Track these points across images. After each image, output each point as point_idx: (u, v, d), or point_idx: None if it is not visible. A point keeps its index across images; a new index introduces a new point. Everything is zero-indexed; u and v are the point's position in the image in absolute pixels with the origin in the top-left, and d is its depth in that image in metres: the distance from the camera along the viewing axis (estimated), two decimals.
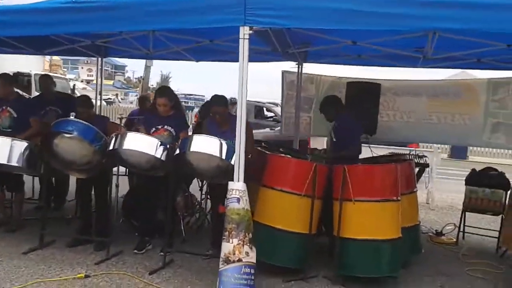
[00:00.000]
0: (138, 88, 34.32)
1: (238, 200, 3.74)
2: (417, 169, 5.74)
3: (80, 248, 4.74)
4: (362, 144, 5.14)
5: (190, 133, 5.17)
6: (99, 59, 7.55)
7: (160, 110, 4.75)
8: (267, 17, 3.64)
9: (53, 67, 26.19)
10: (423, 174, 6.58)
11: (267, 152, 5.02)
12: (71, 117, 5.23)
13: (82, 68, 54.40)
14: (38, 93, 7.13)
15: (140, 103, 7.08)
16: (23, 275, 4.05)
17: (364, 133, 5.48)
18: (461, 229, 5.82)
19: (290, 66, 7.24)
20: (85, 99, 5.05)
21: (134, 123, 5.47)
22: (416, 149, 7.31)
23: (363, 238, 4.13)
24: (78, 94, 11.40)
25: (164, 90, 5.14)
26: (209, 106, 4.86)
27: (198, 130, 5.33)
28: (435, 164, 8.11)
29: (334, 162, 4.59)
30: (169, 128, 4.74)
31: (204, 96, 32.02)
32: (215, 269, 3.83)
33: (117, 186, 4.60)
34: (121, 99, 43.35)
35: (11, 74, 7.65)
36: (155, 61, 15.67)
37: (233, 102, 9.01)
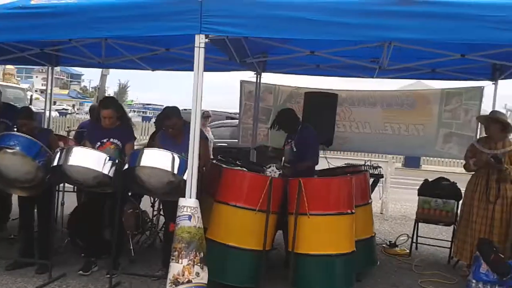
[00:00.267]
0: (93, 98, 33.40)
1: (190, 217, 3.57)
2: (371, 180, 5.76)
3: (20, 271, 4.44)
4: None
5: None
6: (50, 68, 7.24)
7: (105, 122, 4.50)
8: (223, 26, 3.54)
9: (6, 76, 25.10)
10: (378, 184, 6.64)
11: (222, 165, 4.89)
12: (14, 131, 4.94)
13: (37, 77, 52.65)
14: None
15: (91, 114, 6.74)
16: None
17: (321, 143, 5.47)
18: (414, 240, 5.85)
19: (249, 76, 7.19)
20: (26, 110, 4.80)
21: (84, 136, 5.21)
22: (371, 159, 7.38)
23: (317, 254, 4.05)
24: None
25: (108, 101, 4.82)
26: (162, 119, 4.66)
27: (150, 144, 5.12)
28: (389, 174, 8.20)
29: (292, 174, 4.53)
30: (115, 141, 4.51)
31: (163, 105, 31.45)
32: None
33: (62, 204, 4.35)
34: (77, 109, 42.15)
35: None
36: (112, 70, 15.28)
37: (206, 115, 8.88)
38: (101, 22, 3.69)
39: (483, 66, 5.77)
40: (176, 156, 3.88)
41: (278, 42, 5.03)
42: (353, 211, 4.18)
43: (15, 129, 4.36)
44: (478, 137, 5.81)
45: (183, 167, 3.77)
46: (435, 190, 5.65)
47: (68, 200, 4.49)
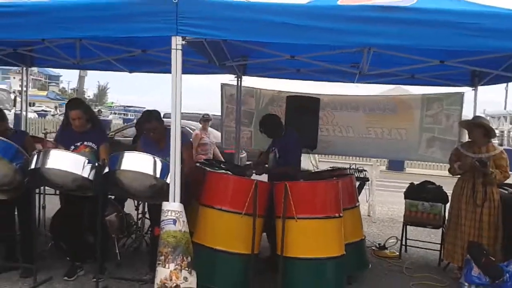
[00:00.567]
0: None
1: (174, 221, 3.50)
2: (357, 183, 5.74)
3: (5, 275, 4.35)
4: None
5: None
6: (25, 68, 7.05)
7: (75, 124, 4.35)
8: (200, 28, 3.46)
9: None
10: (364, 187, 6.63)
11: (206, 168, 4.81)
12: None
13: (14, 78, 51.53)
14: None
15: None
16: None
17: (304, 147, 5.44)
18: (403, 243, 5.86)
19: (230, 79, 7.11)
20: None
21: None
22: (356, 162, 7.37)
23: (306, 257, 4.02)
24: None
25: (75, 102, 4.63)
26: (142, 122, 4.56)
27: (133, 148, 4.98)
28: (374, 177, 8.21)
29: (277, 178, 4.48)
30: (90, 143, 4.39)
31: (145, 107, 31.25)
32: None
33: (43, 207, 4.22)
34: (60, 111, 41.48)
35: None
36: (91, 71, 15.07)
37: (206, 119, 8.68)
38: (72, 22, 3.58)
39: (462, 72, 5.79)
40: (158, 159, 3.79)
41: (257, 46, 4.95)
42: (341, 214, 4.15)
43: None
44: (461, 141, 5.82)
45: (165, 170, 3.69)
46: (421, 193, 5.66)
47: (50, 203, 4.34)
